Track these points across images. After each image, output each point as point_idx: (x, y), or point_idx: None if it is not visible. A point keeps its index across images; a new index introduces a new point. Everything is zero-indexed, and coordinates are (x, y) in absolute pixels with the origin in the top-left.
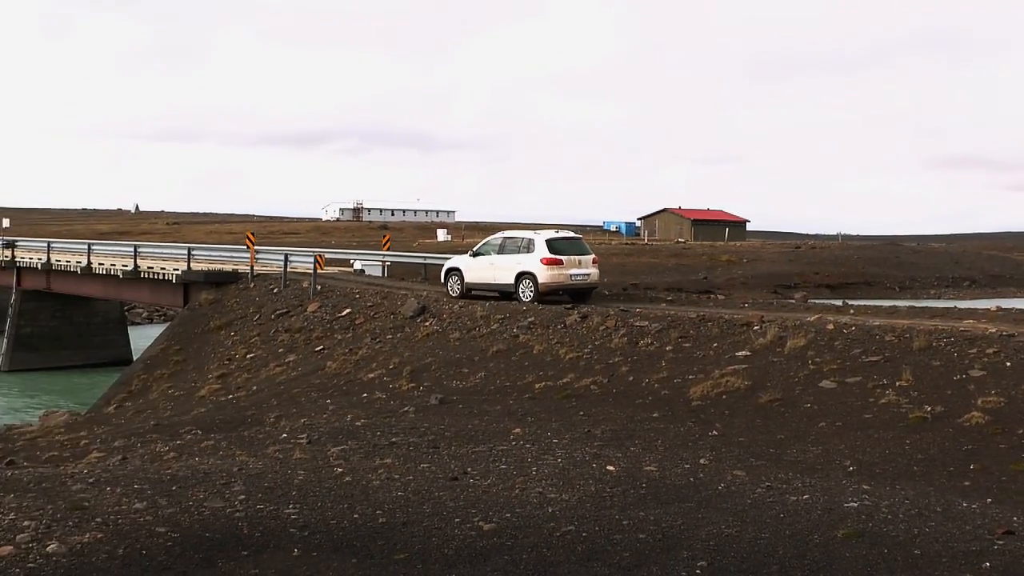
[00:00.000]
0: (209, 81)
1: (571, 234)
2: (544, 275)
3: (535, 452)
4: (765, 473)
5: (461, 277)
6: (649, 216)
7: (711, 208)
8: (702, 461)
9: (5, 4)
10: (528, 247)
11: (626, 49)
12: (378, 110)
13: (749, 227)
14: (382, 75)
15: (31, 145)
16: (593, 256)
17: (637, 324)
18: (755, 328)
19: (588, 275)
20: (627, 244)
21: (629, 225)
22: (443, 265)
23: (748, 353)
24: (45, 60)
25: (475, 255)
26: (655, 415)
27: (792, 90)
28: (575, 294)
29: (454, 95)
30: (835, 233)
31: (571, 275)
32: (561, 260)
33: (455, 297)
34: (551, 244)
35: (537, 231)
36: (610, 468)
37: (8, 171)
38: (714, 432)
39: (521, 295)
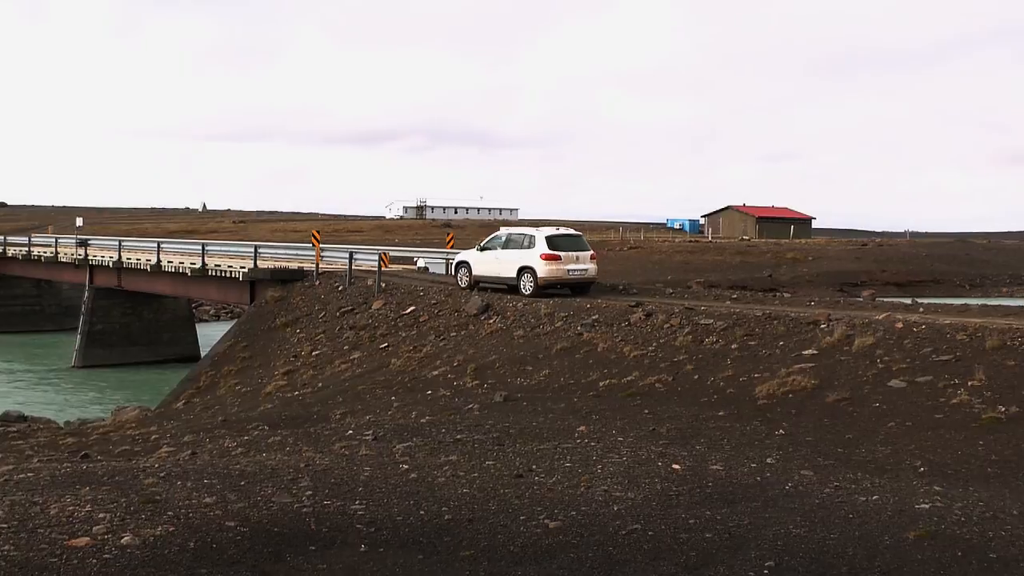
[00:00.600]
0: (278, 81)
1: (571, 231)
2: (543, 269)
3: (600, 450)
4: (833, 473)
5: (469, 270)
6: (713, 213)
7: (776, 205)
8: (769, 460)
9: (79, 5)
10: (530, 243)
11: (690, 46)
12: (443, 108)
13: (814, 224)
14: (448, 74)
15: (102, 145)
16: (591, 253)
17: (702, 322)
18: (822, 326)
19: (586, 270)
20: (691, 242)
21: (693, 223)
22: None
23: (815, 352)
24: (117, 60)
25: (482, 250)
26: (721, 414)
27: (857, 86)
28: (575, 288)
29: (518, 92)
30: (903, 230)
31: (568, 270)
32: (559, 256)
33: (463, 288)
34: (550, 240)
35: (539, 228)
36: (676, 467)
37: (80, 171)
38: (781, 431)
39: (522, 288)
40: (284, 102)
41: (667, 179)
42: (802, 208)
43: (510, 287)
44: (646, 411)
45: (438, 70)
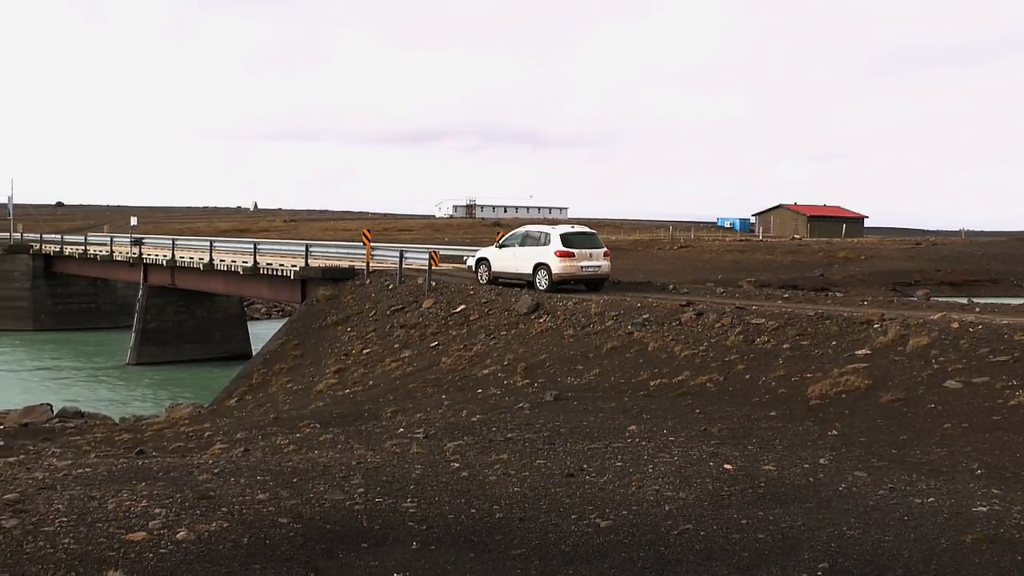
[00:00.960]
0: (329, 81)
1: (585, 229)
2: (557, 266)
3: (651, 450)
4: (888, 475)
5: (488, 266)
6: (764, 212)
7: (827, 204)
8: (822, 461)
9: (136, 8)
10: (545, 241)
11: (741, 44)
12: (493, 108)
13: (867, 223)
14: (498, 73)
15: (157, 145)
16: (605, 250)
17: (753, 322)
18: (875, 326)
19: (599, 267)
20: (741, 241)
21: (743, 221)
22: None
23: (868, 352)
24: (172, 62)
25: (501, 247)
26: (772, 414)
27: (909, 82)
28: (589, 283)
29: (568, 91)
30: (958, 229)
31: (582, 266)
32: (573, 253)
33: (483, 284)
34: (564, 238)
35: (555, 226)
36: (727, 467)
37: (135, 171)
38: (834, 432)
39: (538, 283)
40: (335, 102)
41: (717, 178)
42: (854, 207)
43: (527, 283)
44: (697, 411)
45: (488, 69)
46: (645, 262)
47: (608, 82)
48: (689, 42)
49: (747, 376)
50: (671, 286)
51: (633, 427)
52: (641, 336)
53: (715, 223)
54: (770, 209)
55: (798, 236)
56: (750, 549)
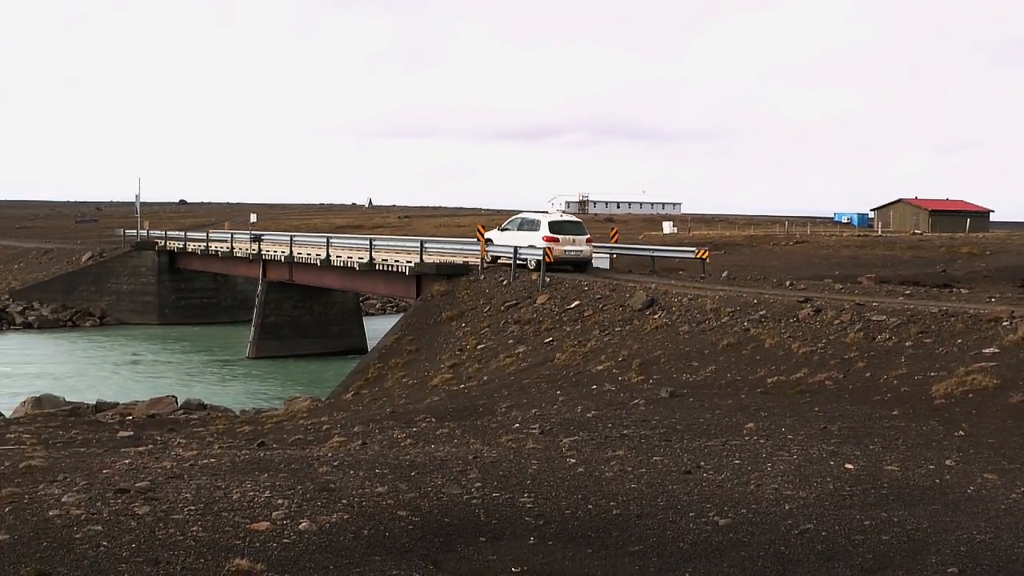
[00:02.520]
0: (445, 79)
1: (571, 217)
2: (542, 247)
3: (769, 448)
4: (1020, 477)
5: (492, 244)
6: (883, 207)
7: (950, 198)
8: (948, 462)
9: (261, 9)
10: (536, 227)
11: (861, 37)
12: (607, 103)
13: (993, 217)
14: (613, 69)
15: (276, 143)
16: (587, 237)
17: (873, 319)
18: (1004, 324)
19: (581, 251)
20: (859, 236)
21: (861, 216)
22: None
23: (996, 350)
24: (294, 62)
25: (502, 230)
26: (894, 413)
27: None
28: (575, 265)
29: (684, 87)
30: None
31: (565, 250)
32: (558, 238)
33: (487, 262)
34: (552, 225)
35: (547, 214)
36: (848, 466)
37: (255, 168)
38: (960, 432)
39: (528, 263)
40: (451, 99)
41: (834, 173)
42: (979, 200)
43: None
44: (816, 409)
45: (603, 65)
46: (760, 258)
47: (725, 77)
48: (808, 36)
49: (867, 374)
50: (787, 282)
51: (750, 424)
52: (757, 332)
53: (832, 218)
54: (889, 204)
55: (919, 231)
56: (874, 551)
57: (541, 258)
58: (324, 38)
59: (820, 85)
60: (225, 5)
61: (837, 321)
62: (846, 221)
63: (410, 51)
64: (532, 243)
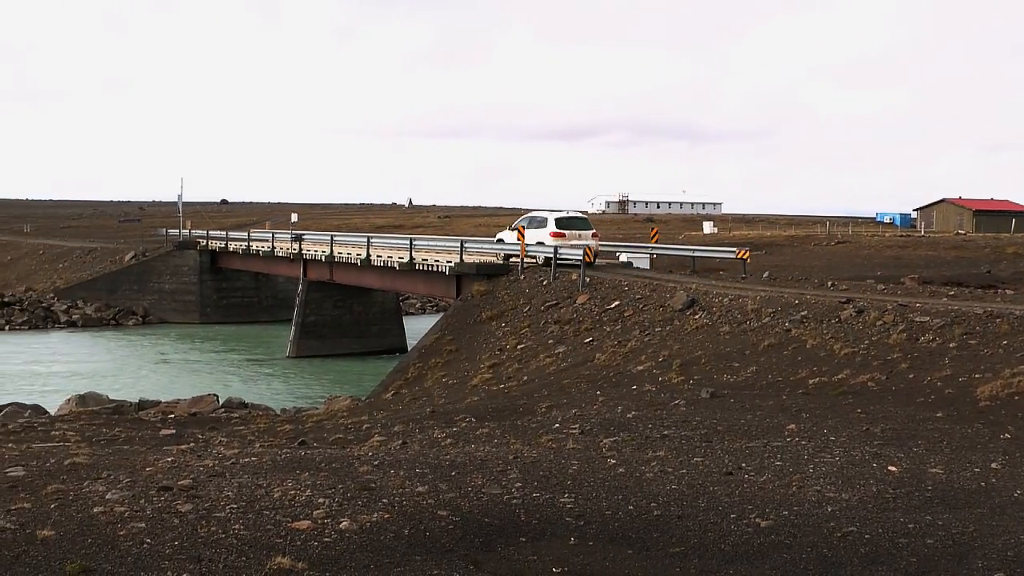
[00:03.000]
0: (486, 79)
1: (578, 215)
2: (550, 244)
3: (811, 449)
4: None
5: (503, 243)
6: (926, 207)
7: (995, 198)
8: (994, 465)
9: (306, 10)
10: (544, 224)
11: (906, 36)
12: (649, 103)
13: None
14: (655, 69)
15: (318, 143)
16: (593, 231)
17: (917, 320)
18: None
19: (587, 245)
20: (901, 236)
21: (904, 216)
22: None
23: None
24: (337, 63)
25: (512, 229)
26: (938, 415)
27: None
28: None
29: (725, 86)
30: None
31: (571, 244)
32: (564, 234)
33: (500, 261)
34: (558, 221)
35: (554, 212)
36: (891, 468)
37: (297, 168)
38: (1006, 435)
39: (537, 258)
40: (492, 99)
41: (876, 173)
42: None
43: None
44: (858, 410)
45: (645, 65)
46: (801, 258)
47: (767, 76)
48: (852, 34)
49: (911, 375)
50: (829, 283)
51: (792, 426)
52: (799, 333)
53: (874, 218)
54: (932, 203)
55: (962, 231)
56: (918, 555)
57: (552, 255)
58: (367, 39)
59: (863, 84)
60: (270, 7)
61: (880, 322)
62: (888, 221)
63: (452, 51)
64: (540, 240)
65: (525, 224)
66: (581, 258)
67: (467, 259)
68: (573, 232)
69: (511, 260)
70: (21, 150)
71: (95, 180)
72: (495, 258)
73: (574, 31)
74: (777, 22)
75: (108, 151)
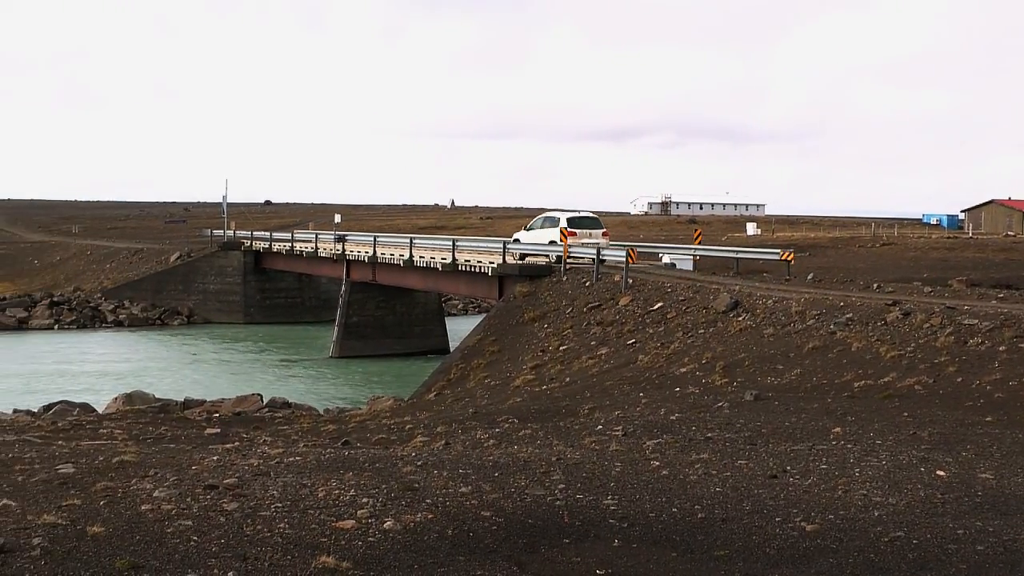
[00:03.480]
0: (531, 80)
1: (589, 215)
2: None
3: (857, 453)
4: None
5: (519, 242)
6: (974, 208)
7: None
8: None
9: (351, 12)
10: (556, 223)
11: (957, 34)
12: (693, 104)
13: None
14: (700, 70)
15: (362, 144)
16: (604, 230)
17: (965, 322)
18: None
19: (597, 243)
20: (949, 238)
21: (951, 218)
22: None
23: None
24: (382, 65)
25: (528, 229)
26: (988, 419)
27: None
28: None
29: (771, 87)
30: None
31: (582, 243)
32: (575, 232)
33: (516, 261)
34: (570, 221)
35: (565, 212)
36: (940, 473)
37: (339, 169)
38: None
39: (550, 256)
40: (537, 100)
41: (923, 173)
42: None
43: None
44: (905, 414)
45: (690, 66)
46: (845, 260)
47: (813, 77)
48: (905, 33)
49: (959, 379)
50: (874, 285)
51: (837, 429)
52: (844, 336)
53: (920, 219)
54: (981, 205)
55: (1012, 232)
56: (968, 561)
57: (560, 253)
58: (412, 41)
59: (910, 83)
60: (316, 10)
61: (927, 325)
62: (935, 222)
63: (498, 52)
64: (552, 238)
65: (539, 224)
66: (594, 255)
67: (509, 260)
68: (584, 231)
69: (527, 259)
70: (71, 153)
71: (142, 181)
72: (537, 259)
73: (621, 32)
74: (823, 22)
75: (155, 153)
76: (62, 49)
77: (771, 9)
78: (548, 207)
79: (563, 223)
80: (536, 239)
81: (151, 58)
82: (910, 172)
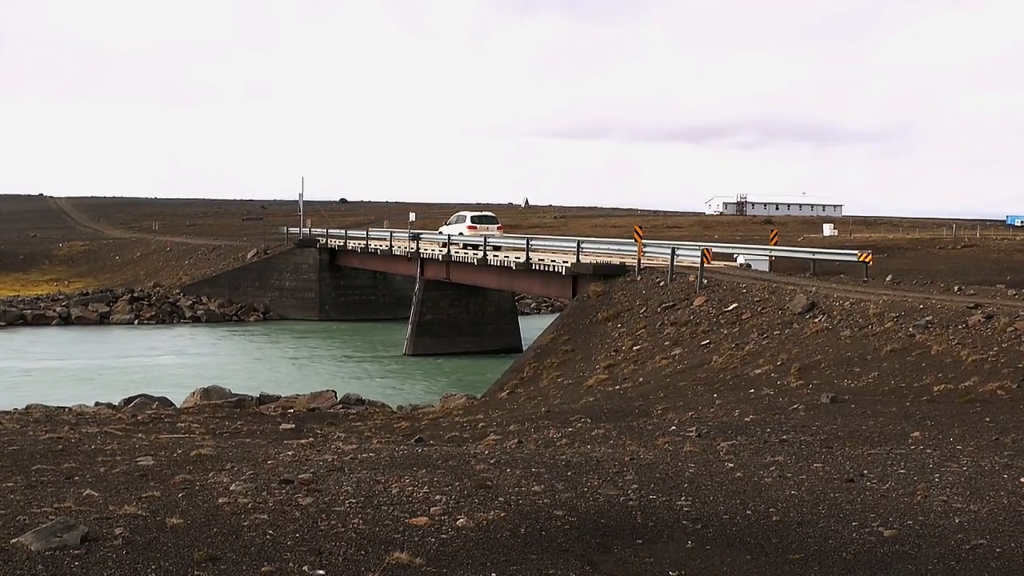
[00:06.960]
0: (617, 81)
1: (488, 214)
2: (467, 233)
3: (936, 458)
4: None
5: (442, 234)
6: None
7: None
8: None
9: (442, 13)
10: (464, 219)
11: None
12: (778, 104)
13: None
14: (788, 70)
15: (439, 143)
16: (499, 225)
17: None
18: None
19: (492, 235)
20: None
21: None
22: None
23: None
24: (468, 65)
25: (447, 224)
26: None
27: None
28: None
29: (858, 87)
30: None
31: (481, 234)
32: (476, 226)
33: (441, 247)
34: (472, 218)
35: (470, 213)
36: None
37: (416, 168)
38: None
39: (458, 244)
40: (619, 101)
41: (1008, 174)
42: None
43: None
44: (987, 419)
45: (779, 66)
46: (925, 262)
47: (900, 77)
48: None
49: None
50: (955, 287)
51: (916, 433)
52: (923, 339)
53: (1004, 221)
54: None
55: None
56: None
57: (471, 242)
58: (498, 42)
59: (1000, 84)
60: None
61: (1011, 328)
62: (1020, 224)
63: (585, 54)
64: (461, 231)
65: (455, 220)
66: (481, 243)
67: (583, 259)
68: (483, 226)
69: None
70: (158, 151)
71: (224, 179)
72: (611, 259)
73: (713, 34)
74: (914, 22)
75: (240, 152)
76: (163, 51)
77: (864, 9)
78: (622, 206)
79: (468, 220)
80: (452, 231)
81: (247, 59)
82: (998, 174)
